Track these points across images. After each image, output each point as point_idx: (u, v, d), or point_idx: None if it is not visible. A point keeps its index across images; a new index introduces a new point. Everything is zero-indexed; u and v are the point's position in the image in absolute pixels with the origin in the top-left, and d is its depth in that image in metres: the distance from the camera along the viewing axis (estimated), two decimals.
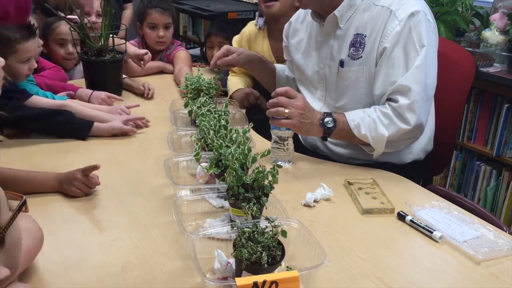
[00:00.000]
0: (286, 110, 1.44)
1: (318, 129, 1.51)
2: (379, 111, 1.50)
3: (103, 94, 2.06)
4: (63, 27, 2.34)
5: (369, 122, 1.48)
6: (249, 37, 2.28)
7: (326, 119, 1.50)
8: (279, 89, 1.47)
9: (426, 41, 1.47)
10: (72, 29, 2.20)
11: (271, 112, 1.46)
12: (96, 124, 1.76)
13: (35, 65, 1.81)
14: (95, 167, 1.37)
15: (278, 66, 2.00)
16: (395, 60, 1.48)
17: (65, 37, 2.35)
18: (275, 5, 2.09)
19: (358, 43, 1.55)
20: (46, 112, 1.75)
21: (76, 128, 1.75)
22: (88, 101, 2.04)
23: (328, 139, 1.69)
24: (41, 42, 2.02)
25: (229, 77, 2.27)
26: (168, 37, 2.56)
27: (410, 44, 1.46)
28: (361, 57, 1.55)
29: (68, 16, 2.40)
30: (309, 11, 1.72)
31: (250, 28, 2.30)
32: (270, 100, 1.47)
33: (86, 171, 1.37)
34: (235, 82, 2.21)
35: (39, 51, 1.85)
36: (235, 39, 2.32)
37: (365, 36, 1.54)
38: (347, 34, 1.58)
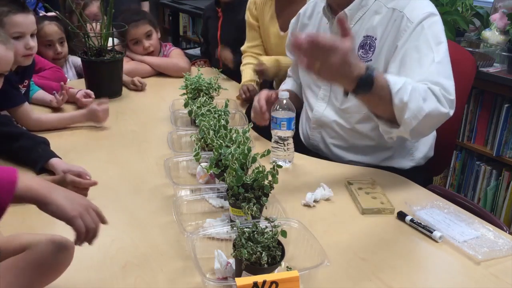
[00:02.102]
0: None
1: (349, 84, 1.25)
2: (416, 84, 1.33)
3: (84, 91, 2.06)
4: (47, 28, 2.34)
5: (411, 91, 1.29)
6: (259, 8, 2.26)
7: (363, 83, 1.23)
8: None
9: (443, 40, 1.44)
10: (71, 28, 2.21)
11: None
12: (53, 160, 1.49)
13: (32, 44, 1.73)
14: (91, 184, 1.34)
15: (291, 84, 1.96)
16: (407, 58, 1.43)
17: (51, 38, 2.35)
18: None
19: (367, 45, 1.53)
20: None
21: (32, 160, 1.51)
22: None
23: (331, 141, 1.68)
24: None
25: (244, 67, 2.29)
26: (154, 45, 2.54)
27: (424, 42, 1.41)
28: (371, 60, 1.52)
29: (50, 14, 2.39)
30: (317, 5, 1.70)
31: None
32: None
33: (75, 183, 1.32)
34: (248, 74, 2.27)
35: (32, 29, 1.74)
36: (248, 7, 2.31)
37: (375, 39, 1.51)
38: (357, 36, 1.54)
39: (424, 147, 1.65)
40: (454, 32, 2.52)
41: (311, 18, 1.76)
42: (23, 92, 1.84)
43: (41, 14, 2.42)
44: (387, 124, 1.38)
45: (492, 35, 2.56)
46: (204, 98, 1.76)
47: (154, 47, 2.54)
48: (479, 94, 2.57)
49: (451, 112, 1.38)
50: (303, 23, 1.79)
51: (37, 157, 1.50)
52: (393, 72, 1.45)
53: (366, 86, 1.25)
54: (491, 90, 2.48)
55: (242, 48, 2.41)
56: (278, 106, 1.56)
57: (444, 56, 1.42)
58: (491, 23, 2.60)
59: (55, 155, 1.51)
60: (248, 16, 2.34)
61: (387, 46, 1.49)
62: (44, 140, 1.59)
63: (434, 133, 1.69)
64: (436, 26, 1.45)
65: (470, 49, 2.45)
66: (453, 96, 1.39)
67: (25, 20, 1.71)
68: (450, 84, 1.39)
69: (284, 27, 2.17)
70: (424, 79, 1.37)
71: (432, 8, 1.47)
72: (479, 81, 2.28)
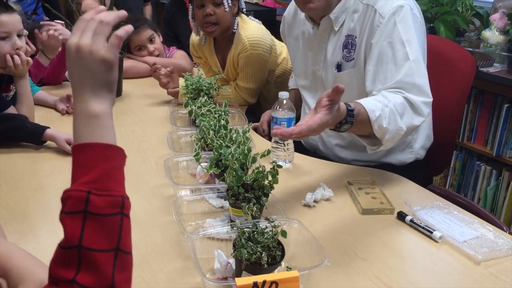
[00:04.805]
0: None
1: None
2: (392, 100, 1.35)
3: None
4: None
5: (389, 114, 1.32)
6: (198, 49, 2.27)
7: (343, 124, 1.24)
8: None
9: (415, 35, 1.44)
10: (72, 28, 2.21)
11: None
12: (49, 130, 1.66)
13: (20, 44, 1.73)
14: None
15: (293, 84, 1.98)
16: (383, 56, 1.44)
17: None
18: (216, 30, 2.03)
19: (349, 44, 1.53)
20: None
21: (29, 133, 1.67)
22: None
23: (329, 139, 1.69)
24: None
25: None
26: (158, 48, 2.57)
27: (396, 39, 1.42)
28: (354, 58, 1.53)
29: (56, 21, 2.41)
30: None
31: (194, 41, 2.26)
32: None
33: None
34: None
35: (18, 28, 1.74)
36: (191, 52, 2.33)
37: (355, 37, 1.52)
38: (340, 37, 1.56)
39: (421, 137, 1.66)
40: (454, 32, 2.52)
41: (296, 18, 1.75)
42: (11, 96, 1.84)
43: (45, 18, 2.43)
44: (369, 142, 1.39)
45: (492, 35, 2.56)
46: (204, 98, 1.76)
47: (159, 51, 2.58)
48: (479, 94, 2.57)
49: (426, 114, 1.41)
50: (289, 24, 1.79)
51: (32, 132, 1.66)
52: (371, 70, 1.46)
53: (346, 126, 1.25)
54: (491, 90, 2.48)
55: None
56: (278, 106, 1.56)
57: (417, 52, 1.43)
58: (491, 23, 2.60)
59: (45, 126, 1.67)
60: (194, 56, 2.36)
61: (364, 44, 1.50)
62: (24, 117, 1.73)
63: (429, 123, 1.70)
64: (407, 20, 1.44)
65: (470, 49, 2.45)
66: (430, 98, 1.42)
67: (10, 19, 1.70)
68: (425, 82, 1.42)
69: (223, 64, 2.19)
70: (400, 80, 1.40)
71: (402, 1, 1.45)
72: (479, 81, 2.28)
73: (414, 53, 1.41)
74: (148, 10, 3.88)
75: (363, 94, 1.51)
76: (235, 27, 2.07)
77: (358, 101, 1.31)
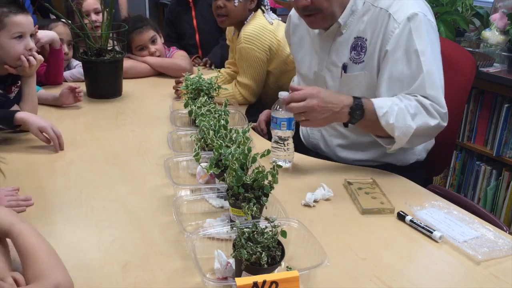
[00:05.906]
0: (303, 118, 1.41)
1: (344, 116, 1.41)
2: (406, 101, 1.43)
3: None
4: (59, 28, 2.37)
5: (398, 112, 1.39)
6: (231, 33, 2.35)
7: (355, 110, 1.39)
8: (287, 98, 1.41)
9: (429, 42, 1.45)
10: (73, 29, 2.21)
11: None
12: (20, 113, 1.67)
13: (32, 45, 1.75)
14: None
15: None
16: (399, 64, 1.45)
17: (61, 37, 2.36)
18: (225, 20, 2.15)
19: (359, 46, 1.53)
20: None
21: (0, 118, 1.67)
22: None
23: (330, 138, 1.69)
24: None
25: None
26: (159, 49, 2.58)
27: (412, 48, 1.44)
28: (363, 61, 1.53)
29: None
30: None
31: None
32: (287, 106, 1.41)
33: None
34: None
35: (32, 29, 1.76)
36: (227, 32, 2.40)
37: (366, 40, 1.52)
38: (348, 38, 1.56)
39: None
40: (454, 32, 2.52)
41: (301, 18, 1.75)
42: (13, 96, 1.85)
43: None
44: (385, 141, 1.46)
45: (492, 35, 2.56)
46: (204, 98, 1.76)
47: (159, 52, 2.58)
48: (479, 94, 2.57)
49: (443, 123, 1.46)
50: (295, 24, 1.79)
51: (3, 117, 1.66)
52: (385, 78, 1.48)
53: (358, 113, 1.39)
54: (491, 90, 2.48)
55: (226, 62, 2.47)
56: (278, 106, 1.55)
57: (432, 62, 1.45)
58: (491, 23, 2.60)
59: (16, 110, 1.69)
60: (228, 40, 2.42)
61: (378, 48, 1.50)
62: None
63: None
64: (422, 28, 1.44)
65: (470, 49, 2.45)
66: (444, 109, 1.46)
67: (25, 20, 1.72)
68: (439, 94, 1.45)
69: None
70: (413, 91, 1.44)
71: (417, 8, 1.46)
72: (479, 81, 2.28)
73: (427, 65, 1.44)
74: (123, 4, 3.83)
75: (370, 96, 1.51)
76: (246, 22, 2.15)
77: (370, 99, 1.39)
